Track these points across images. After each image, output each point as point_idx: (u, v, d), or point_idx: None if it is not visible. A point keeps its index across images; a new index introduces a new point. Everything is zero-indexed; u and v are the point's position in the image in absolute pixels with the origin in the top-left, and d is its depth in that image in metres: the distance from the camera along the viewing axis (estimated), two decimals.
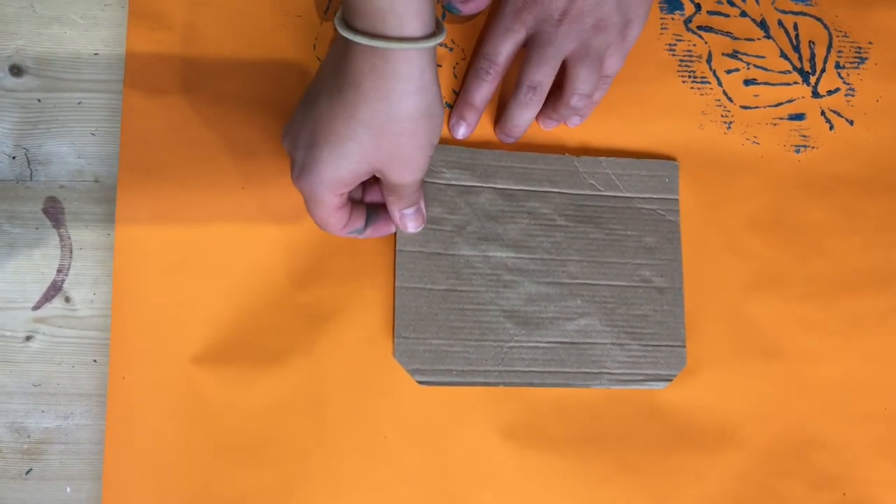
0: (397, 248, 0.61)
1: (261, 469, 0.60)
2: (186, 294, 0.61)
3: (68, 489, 0.60)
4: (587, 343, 0.62)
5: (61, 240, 0.62)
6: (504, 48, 0.62)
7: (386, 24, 0.48)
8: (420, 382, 0.60)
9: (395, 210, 0.58)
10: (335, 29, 0.51)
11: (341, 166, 0.52)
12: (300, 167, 0.54)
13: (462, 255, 0.62)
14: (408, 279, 0.61)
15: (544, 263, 0.63)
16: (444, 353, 0.61)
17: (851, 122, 0.67)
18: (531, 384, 0.61)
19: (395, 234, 0.62)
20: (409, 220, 0.59)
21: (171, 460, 0.60)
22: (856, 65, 0.67)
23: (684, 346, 0.63)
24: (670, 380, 0.63)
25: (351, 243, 0.62)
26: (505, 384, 0.61)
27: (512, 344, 0.61)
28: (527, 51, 0.61)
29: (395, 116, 0.50)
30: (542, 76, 0.61)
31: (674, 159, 0.65)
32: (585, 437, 0.62)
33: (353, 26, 0.49)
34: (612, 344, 0.63)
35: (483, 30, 0.65)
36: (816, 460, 0.63)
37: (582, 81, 0.61)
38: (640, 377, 0.63)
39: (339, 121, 0.51)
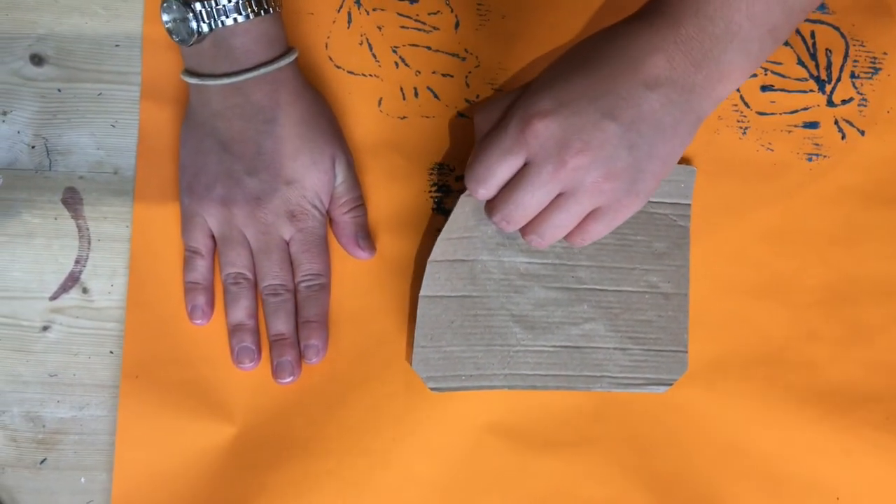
0: (431, 259, 0.61)
1: (270, 470, 0.61)
2: None
3: (83, 480, 0.61)
4: (590, 347, 0.63)
5: (79, 230, 0.62)
6: (500, 172, 0.55)
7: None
8: (433, 389, 0.61)
9: None
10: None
11: None
12: None
13: (480, 261, 0.62)
14: (432, 288, 0.61)
15: (554, 268, 0.63)
16: (456, 360, 0.61)
17: (863, 133, 0.67)
18: (534, 387, 0.62)
19: (428, 244, 0.63)
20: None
21: (182, 459, 0.61)
22: (870, 75, 0.68)
23: (686, 352, 0.64)
24: (671, 384, 0.64)
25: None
26: (509, 387, 0.62)
27: (518, 348, 0.62)
28: (514, 181, 0.55)
29: None
30: (521, 215, 0.55)
31: (690, 164, 0.66)
32: (587, 440, 0.63)
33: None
34: (615, 348, 0.63)
35: (477, 145, 0.58)
36: (814, 465, 0.64)
37: (551, 226, 0.56)
38: (641, 381, 0.63)
39: None
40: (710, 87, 0.52)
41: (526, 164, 0.54)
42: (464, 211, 0.60)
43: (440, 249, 0.61)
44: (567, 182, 0.53)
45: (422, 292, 0.61)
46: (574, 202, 0.54)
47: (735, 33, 0.51)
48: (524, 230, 0.57)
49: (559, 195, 0.54)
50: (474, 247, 0.61)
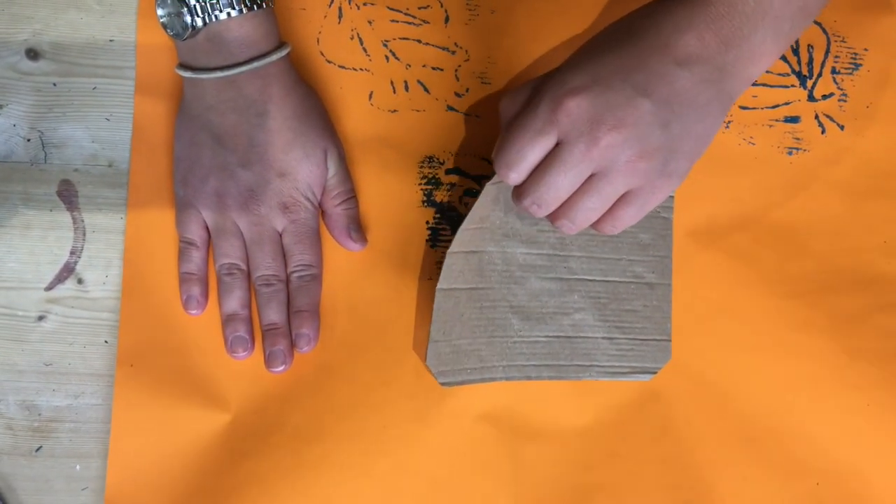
0: (449, 251, 0.60)
1: (264, 456, 0.62)
2: None
3: (77, 467, 0.62)
4: (580, 337, 0.64)
5: (74, 222, 0.63)
6: (531, 154, 0.53)
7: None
8: (443, 384, 0.61)
9: None
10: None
11: None
12: None
13: (487, 252, 0.62)
14: (448, 281, 0.61)
15: (549, 259, 0.63)
16: (463, 353, 0.61)
17: (842, 127, 0.68)
18: (528, 377, 0.63)
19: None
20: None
21: (176, 446, 0.61)
22: (850, 71, 0.69)
23: (670, 341, 0.65)
24: (655, 372, 0.64)
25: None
26: (507, 378, 0.62)
27: (516, 339, 0.63)
28: (545, 162, 0.53)
29: None
30: (552, 197, 0.54)
31: None
32: (577, 428, 0.64)
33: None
34: (603, 338, 0.64)
35: (504, 129, 0.56)
36: (795, 451, 0.65)
37: (582, 210, 0.54)
38: (627, 369, 0.64)
39: None
40: (740, 66, 0.52)
41: (557, 145, 0.52)
42: (485, 201, 0.60)
43: (458, 240, 0.60)
44: (600, 161, 0.52)
45: (439, 285, 0.60)
46: (606, 183, 0.53)
47: (766, 11, 0.51)
48: (554, 216, 0.55)
49: (591, 177, 0.53)
50: (483, 238, 0.61)
